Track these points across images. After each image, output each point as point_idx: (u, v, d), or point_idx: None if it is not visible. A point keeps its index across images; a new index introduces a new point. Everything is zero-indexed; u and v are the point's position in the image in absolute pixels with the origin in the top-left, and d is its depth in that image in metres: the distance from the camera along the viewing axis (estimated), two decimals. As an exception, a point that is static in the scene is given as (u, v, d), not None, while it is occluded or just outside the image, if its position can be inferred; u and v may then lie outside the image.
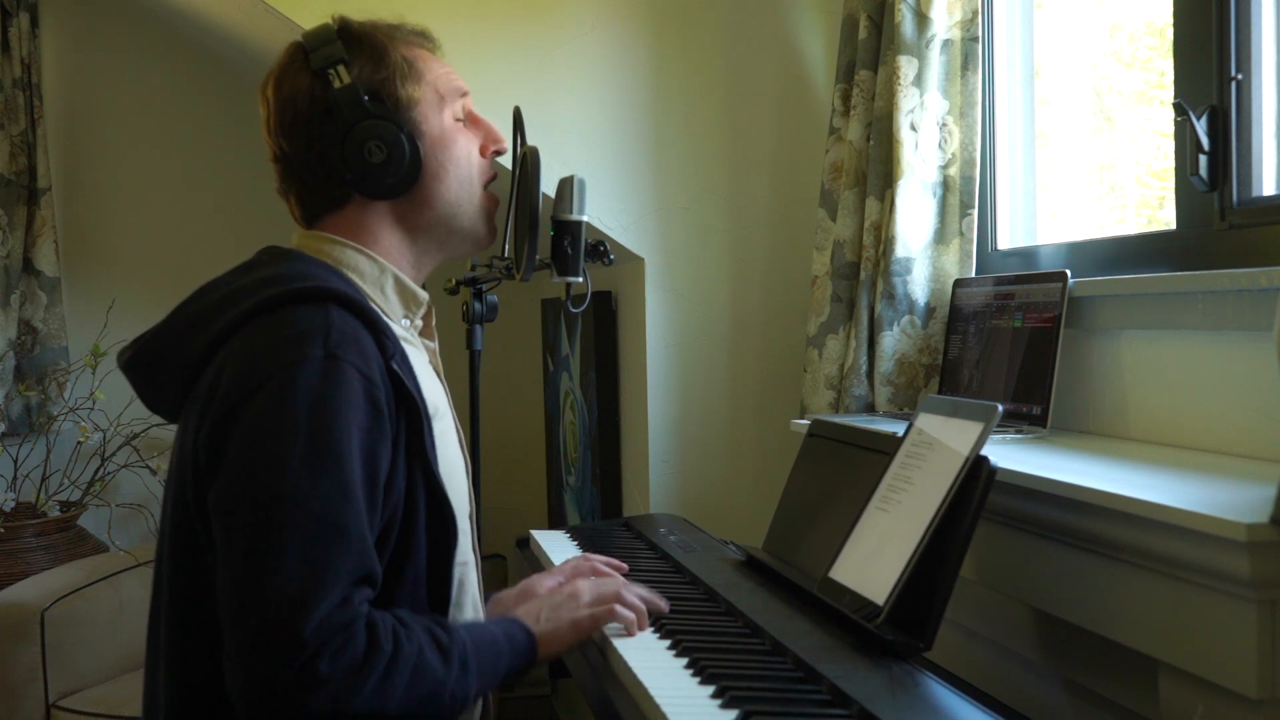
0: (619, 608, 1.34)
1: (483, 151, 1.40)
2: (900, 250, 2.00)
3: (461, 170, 1.36)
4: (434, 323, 1.42)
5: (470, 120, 1.40)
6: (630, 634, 1.33)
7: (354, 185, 1.31)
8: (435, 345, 1.43)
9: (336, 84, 1.29)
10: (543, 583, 1.50)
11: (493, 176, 1.42)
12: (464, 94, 1.39)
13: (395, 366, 1.20)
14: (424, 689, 1.11)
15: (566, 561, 1.59)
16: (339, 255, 1.32)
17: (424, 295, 1.37)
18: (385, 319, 1.27)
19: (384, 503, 1.17)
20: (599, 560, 1.57)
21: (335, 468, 1.11)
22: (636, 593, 1.39)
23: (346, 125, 1.29)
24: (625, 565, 1.59)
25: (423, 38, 1.39)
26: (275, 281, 1.21)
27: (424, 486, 1.22)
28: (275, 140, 1.33)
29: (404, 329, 1.35)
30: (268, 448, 1.11)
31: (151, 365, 1.26)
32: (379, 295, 1.33)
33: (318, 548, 1.07)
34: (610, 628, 1.34)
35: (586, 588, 1.37)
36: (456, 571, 1.27)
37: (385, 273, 1.33)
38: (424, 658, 1.12)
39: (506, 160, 1.67)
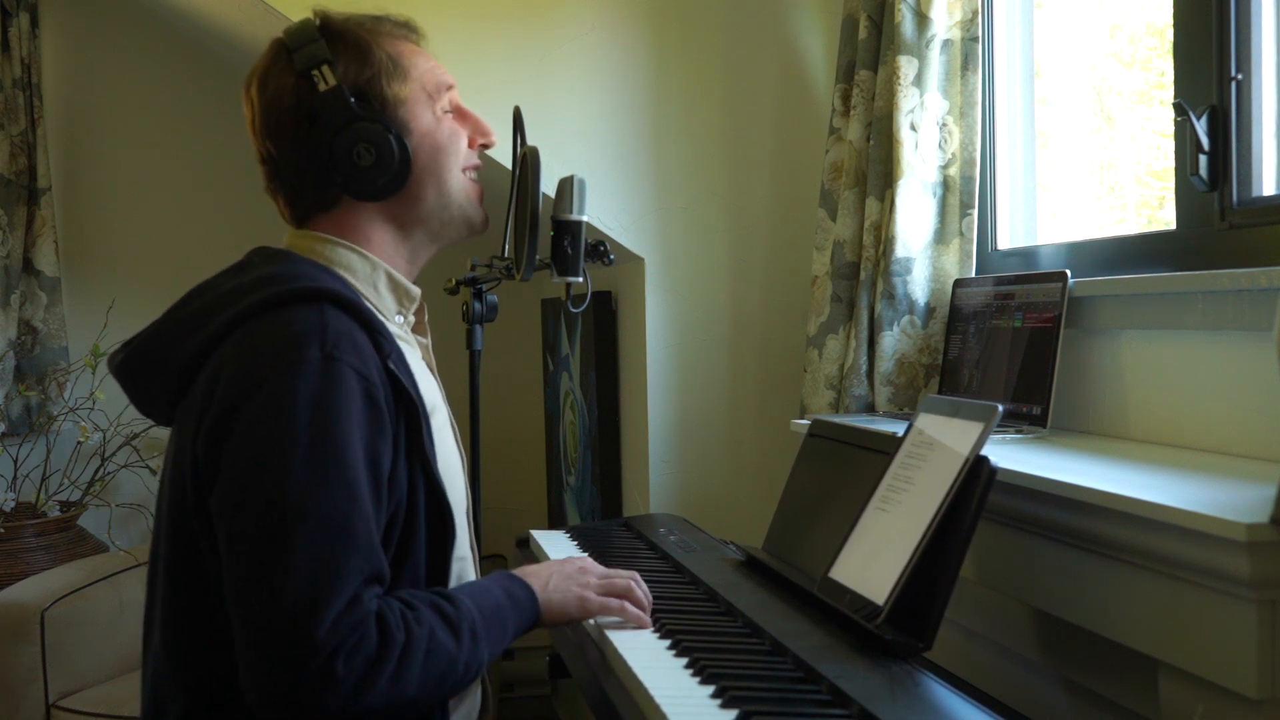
0: (630, 606, 1.35)
1: (470, 144, 1.39)
2: (900, 250, 2.00)
3: (450, 165, 1.35)
4: (426, 318, 1.42)
5: (457, 113, 1.39)
6: (643, 626, 1.35)
7: (344, 188, 1.30)
8: (428, 341, 1.43)
9: (322, 86, 1.27)
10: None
11: (478, 166, 1.41)
12: (450, 87, 1.38)
13: (392, 366, 1.20)
14: (439, 668, 1.13)
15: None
16: (330, 254, 1.31)
17: (416, 291, 1.37)
18: (380, 317, 1.27)
19: (386, 500, 1.17)
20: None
21: (338, 470, 1.11)
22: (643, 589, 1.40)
23: (334, 129, 1.27)
24: None
25: (407, 29, 1.37)
26: (268, 282, 1.20)
27: (424, 485, 1.22)
28: (261, 141, 1.31)
29: (398, 326, 1.35)
30: (270, 452, 1.11)
31: (144, 369, 1.25)
32: (372, 292, 1.32)
33: (325, 551, 1.08)
34: (610, 626, 1.34)
35: (596, 568, 1.38)
36: (455, 566, 1.28)
37: (377, 269, 1.33)
38: (435, 638, 1.13)
39: (506, 160, 1.67)
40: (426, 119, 1.34)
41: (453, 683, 1.15)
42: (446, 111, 1.37)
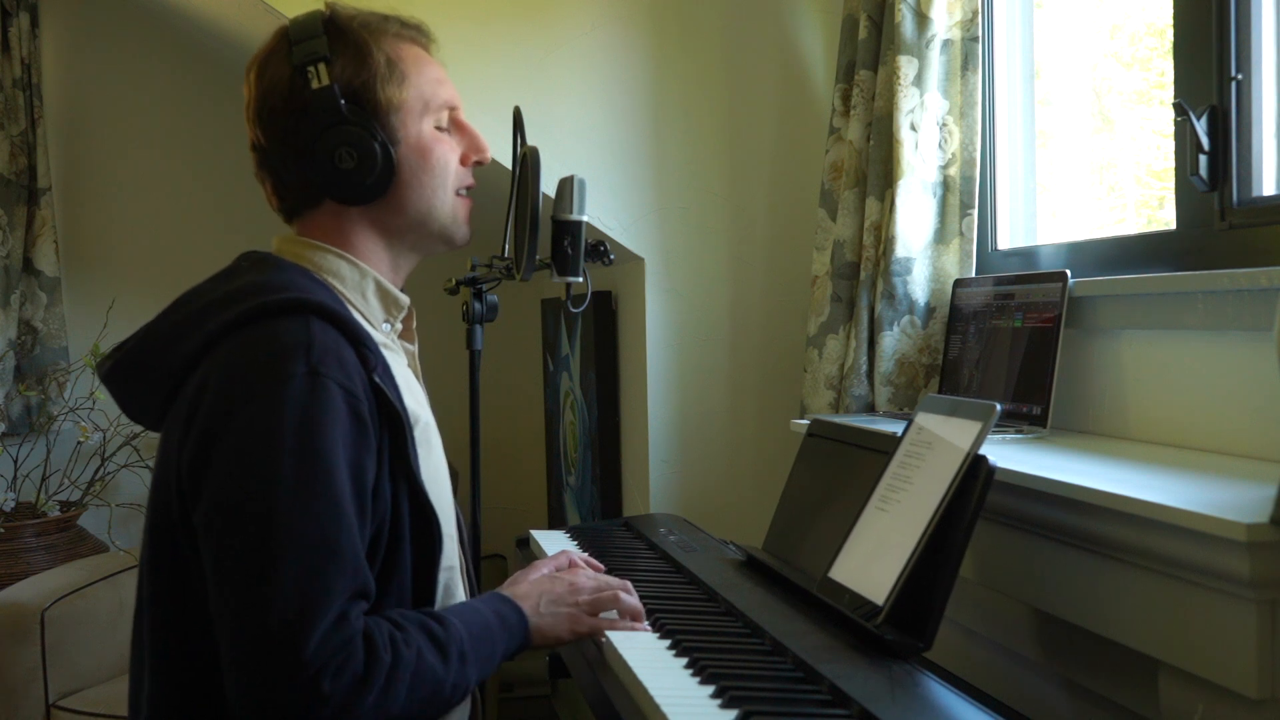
0: (620, 628, 1.34)
1: (463, 160, 1.36)
2: (900, 250, 2.00)
3: (436, 179, 1.32)
4: (414, 325, 1.41)
5: (456, 128, 1.36)
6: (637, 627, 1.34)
7: (323, 189, 1.29)
8: (415, 349, 1.41)
9: (315, 84, 1.25)
10: (529, 576, 1.50)
11: (471, 185, 1.38)
12: (453, 107, 1.35)
13: (378, 379, 1.19)
14: (425, 690, 1.12)
15: (552, 557, 1.58)
16: (319, 260, 1.30)
17: (404, 299, 1.35)
18: (366, 328, 1.26)
19: (371, 515, 1.17)
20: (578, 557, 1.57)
21: (325, 486, 1.10)
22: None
23: (319, 128, 1.26)
24: (603, 567, 1.58)
25: (417, 32, 1.35)
26: (256, 291, 1.19)
27: (408, 497, 1.21)
28: (253, 128, 1.30)
29: (384, 334, 1.33)
30: (256, 467, 1.10)
31: (133, 376, 1.24)
32: (360, 300, 1.31)
33: (313, 568, 1.07)
34: (609, 626, 1.34)
35: (586, 584, 1.35)
36: (442, 576, 1.27)
37: (366, 277, 1.31)
38: (423, 660, 1.12)
39: (506, 160, 1.67)
40: (416, 129, 1.31)
41: (440, 704, 1.14)
42: (441, 127, 1.34)
